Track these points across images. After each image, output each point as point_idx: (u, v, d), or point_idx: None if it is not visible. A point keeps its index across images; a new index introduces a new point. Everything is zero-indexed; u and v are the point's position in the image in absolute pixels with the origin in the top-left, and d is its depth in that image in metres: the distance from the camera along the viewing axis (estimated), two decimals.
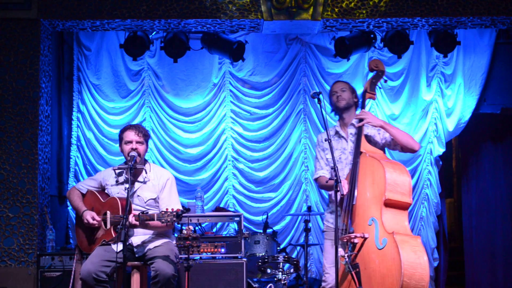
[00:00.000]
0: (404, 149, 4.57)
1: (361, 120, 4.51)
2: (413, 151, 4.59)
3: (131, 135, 4.69)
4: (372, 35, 6.51)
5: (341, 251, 4.17)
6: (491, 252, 7.29)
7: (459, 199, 8.12)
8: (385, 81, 4.72)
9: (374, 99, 4.66)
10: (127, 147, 4.68)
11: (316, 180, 4.73)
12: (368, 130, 4.60)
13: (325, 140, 4.32)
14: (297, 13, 5.90)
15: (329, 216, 4.64)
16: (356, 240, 4.18)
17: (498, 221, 7.29)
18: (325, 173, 4.62)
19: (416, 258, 3.99)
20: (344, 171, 4.51)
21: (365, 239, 4.17)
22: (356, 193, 4.32)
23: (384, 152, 4.60)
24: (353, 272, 4.11)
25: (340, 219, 4.37)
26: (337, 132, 4.67)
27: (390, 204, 4.19)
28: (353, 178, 4.36)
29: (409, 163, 7.06)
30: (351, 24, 6.13)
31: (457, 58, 7.00)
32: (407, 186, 4.25)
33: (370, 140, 4.59)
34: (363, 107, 4.60)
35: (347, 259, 4.15)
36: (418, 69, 7.07)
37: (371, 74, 4.69)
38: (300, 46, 7.17)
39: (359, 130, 4.49)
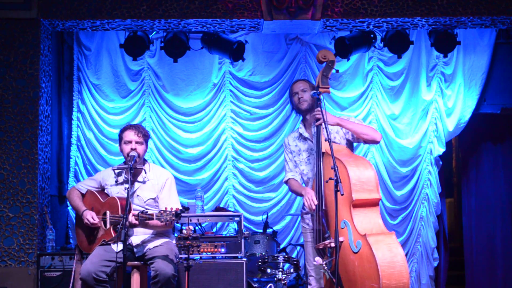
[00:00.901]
0: (367, 141, 4.46)
1: (317, 120, 4.31)
2: (375, 142, 4.46)
3: (130, 135, 4.69)
4: (372, 35, 6.50)
5: (319, 260, 4.06)
6: (491, 252, 7.28)
7: (459, 199, 8.13)
8: (337, 71, 4.47)
9: (328, 92, 4.40)
10: (126, 147, 4.68)
11: (286, 182, 4.64)
12: (330, 128, 4.40)
13: (325, 140, 4.25)
14: (297, 13, 5.90)
15: (306, 217, 4.55)
16: (333, 245, 4.02)
17: (498, 221, 7.29)
18: (294, 175, 4.56)
19: (393, 256, 3.89)
20: (314, 171, 4.42)
21: (340, 242, 4.04)
22: (323, 197, 4.18)
23: (352, 147, 4.50)
24: (334, 280, 3.96)
25: (315, 223, 4.32)
26: (300, 135, 4.58)
27: (358, 204, 4.06)
28: (319, 182, 4.22)
29: (409, 163, 7.06)
30: (351, 24, 6.13)
31: (457, 58, 7.00)
32: (373, 181, 4.11)
33: (334, 137, 4.46)
34: (320, 104, 4.33)
35: (325, 267, 4.04)
36: (418, 69, 7.06)
37: (320, 67, 4.47)
38: (300, 46, 7.17)
39: (318, 130, 4.32)
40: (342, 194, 4.07)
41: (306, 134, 4.57)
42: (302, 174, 4.56)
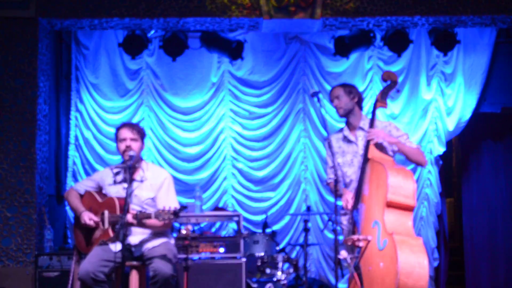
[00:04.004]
0: (413, 162, 4.67)
1: (368, 140, 4.43)
2: (421, 166, 4.72)
3: (124, 133, 4.69)
4: (372, 34, 6.49)
5: (344, 253, 4.19)
6: (492, 251, 7.28)
7: (459, 198, 8.11)
8: (398, 91, 4.67)
9: (385, 107, 4.63)
10: (121, 145, 4.68)
11: (328, 184, 4.80)
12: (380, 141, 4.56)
13: (325, 140, 4.32)
14: (296, 12, 5.88)
15: (344, 218, 4.65)
16: (361, 244, 4.20)
17: (499, 221, 7.28)
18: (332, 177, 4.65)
19: (415, 257, 3.99)
20: (357, 174, 4.50)
21: (368, 241, 4.18)
22: (360, 199, 4.36)
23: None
24: (355, 274, 4.14)
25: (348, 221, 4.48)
26: (345, 137, 4.65)
27: (392, 205, 4.17)
28: (359, 184, 4.38)
29: (409, 162, 7.02)
30: (350, 23, 6.11)
31: (457, 57, 6.98)
32: (411, 190, 4.23)
33: (380, 147, 4.55)
34: (373, 116, 4.53)
35: (349, 261, 4.19)
36: (418, 68, 7.05)
37: (384, 83, 4.66)
38: (300, 45, 7.15)
39: (367, 143, 4.44)
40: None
41: (351, 137, 4.64)
42: (345, 176, 4.63)
